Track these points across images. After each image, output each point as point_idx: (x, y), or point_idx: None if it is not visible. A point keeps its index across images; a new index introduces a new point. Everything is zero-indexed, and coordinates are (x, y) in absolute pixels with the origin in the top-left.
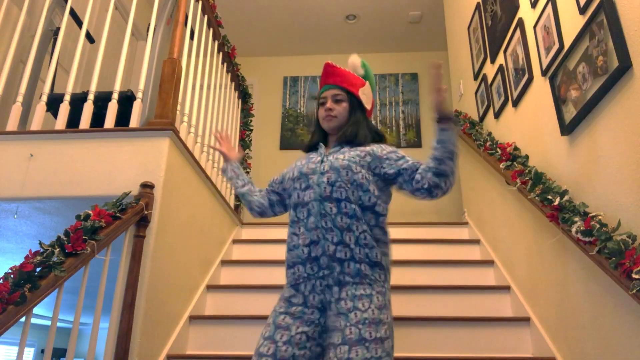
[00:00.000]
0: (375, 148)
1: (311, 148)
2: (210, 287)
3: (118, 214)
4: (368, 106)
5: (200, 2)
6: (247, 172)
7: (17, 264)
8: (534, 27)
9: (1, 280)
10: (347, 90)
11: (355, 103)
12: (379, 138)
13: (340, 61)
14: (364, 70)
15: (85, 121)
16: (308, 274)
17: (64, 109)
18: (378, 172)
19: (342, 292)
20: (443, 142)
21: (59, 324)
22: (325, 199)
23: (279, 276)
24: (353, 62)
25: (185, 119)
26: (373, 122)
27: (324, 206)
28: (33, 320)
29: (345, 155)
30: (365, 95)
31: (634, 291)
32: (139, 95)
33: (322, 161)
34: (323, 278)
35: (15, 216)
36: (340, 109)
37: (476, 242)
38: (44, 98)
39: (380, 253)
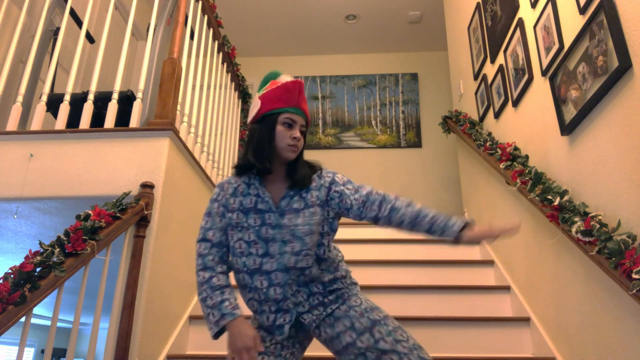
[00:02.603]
0: (323, 190)
1: (245, 170)
2: None
3: (118, 214)
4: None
5: (200, 2)
6: None
7: (17, 264)
8: (534, 27)
9: (1, 280)
10: (306, 121)
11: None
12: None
13: (340, 61)
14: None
15: (85, 121)
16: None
17: (64, 109)
18: (340, 213)
19: (329, 309)
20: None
21: (59, 324)
22: (290, 269)
23: None
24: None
25: (185, 119)
26: (373, 121)
27: (289, 275)
28: (33, 320)
29: (303, 219)
30: None
31: (634, 291)
32: (139, 95)
33: (280, 225)
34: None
35: (15, 216)
36: (302, 142)
37: (476, 242)
38: (44, 98)
39: (341, 270)
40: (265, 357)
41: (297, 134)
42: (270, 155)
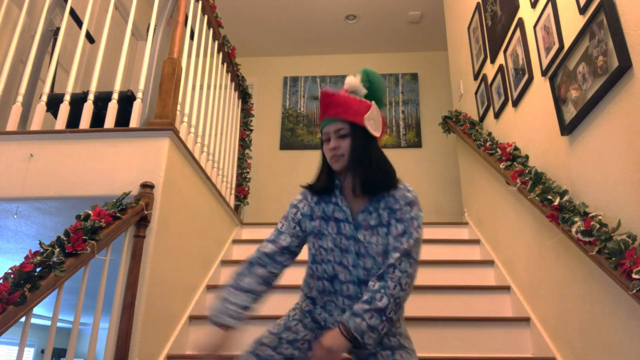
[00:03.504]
0: (400, 209)
1: (322, 191)
2: (210, 287)
3: (118, 214)
4: (377, 132)
5: (200, 2)
6: (247, 172)
7: (17, 264)
8: (534, 27)
9: (1, 280)
10: (349, 121)
11: (361, 134)
12: (391, 176)
13: (340, 61)
14: (367, 84)
15: (85, 121)
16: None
17: (64, 109)
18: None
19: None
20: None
21: (59, 324)
22: (362, 282)
23: None
24: (351, 84)
25: (185, 119)
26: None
27: (360, 289)
28: (33, 321)
29: (377, 238)
30: (373, 120)
31: (634, 291)
32: (139, 95)
33: (355, 238)
34: None
35: (15, 216)
36: (347, 145)
37: (476, 242)
38: (44, 98)
39: (401, 327)
40: (290, 348)
41: (332, 144)
42: (324, 170)
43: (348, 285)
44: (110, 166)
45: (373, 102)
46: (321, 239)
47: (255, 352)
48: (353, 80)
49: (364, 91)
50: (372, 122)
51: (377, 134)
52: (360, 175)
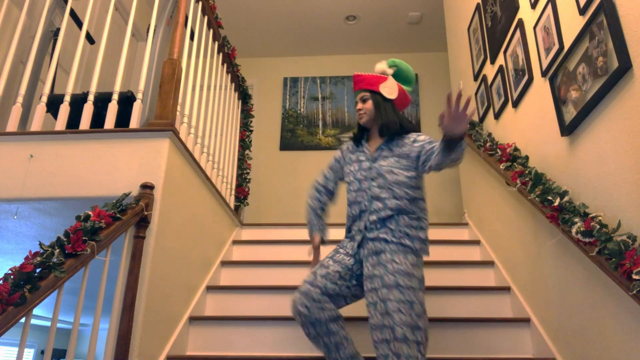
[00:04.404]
0: (407, 145)
1: (357, 139)
2: (210, 288)
3: (118, 215)
4: (392, 96)
5: (200, 3)
6: (247, 173)
7: (17, 264)
8: (534, 27)
9: (1, 281)
10: (369, 89)
11: (378, 98)
12: (411, 126)
13: (340, 62)
14: (394, 69)
15: (85, 122)
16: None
17: (64, 109)
18: (414, 164)
19: (383, 255)
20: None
21: (59, 325)
22: (374, 199)
23: (278, 277)
24: (378, 68)
25: (186, 119)
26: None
27: (372, 205)
28: (33, 321)
29: (387, 162)
30: (388, 87)
31: (634, 292)
32: (139, 96)
33: (370, 168)
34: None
35: (15, 217)
36: (367, 106)
37: (476, 242)
38: (44, 99)
39: (416, 228)
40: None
41: (358, 106)
42: (358, 126)
43: (365, 203)
44: (110, 167)
45: (390, 76)
46: (349, 174)
47: (313, 283)
48: (380, 65)
49: (390, 71)
50: (387, 89)
51: (392, 97)
52: (378, 123)
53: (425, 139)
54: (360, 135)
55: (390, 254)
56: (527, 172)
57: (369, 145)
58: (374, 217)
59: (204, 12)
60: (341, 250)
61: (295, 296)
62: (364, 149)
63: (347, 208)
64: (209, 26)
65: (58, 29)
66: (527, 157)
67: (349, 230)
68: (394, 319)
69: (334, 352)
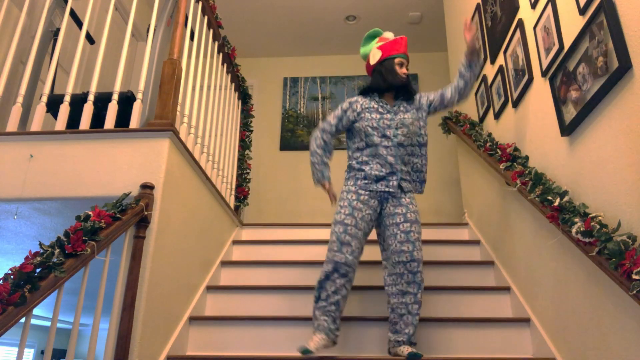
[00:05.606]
0: (417, 100)
1: (366, 93)
2: (210, 288)
3: (118, 215)
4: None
5: (200, 3)
6: (247, 173)
7: (17, 264)
8: (534, 27)
9: (1, 281)
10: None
11: None
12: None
13: (341, 62)
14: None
15: (85, 122)
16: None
17: (64, 109)
18: (428, 111)
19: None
20: (473, 69)
21: (59, 325)
22: (400, 145)
23: (279, 277)
24: (390, 35)
25: (185, 119)
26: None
27: (398, 150)
28: (33, 321)
29: (409, 115)
30: None
31: (634, 292)
32: (139, 96)
33: (392, 119)
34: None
35: (15, 217)
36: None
37: (476, 242)
38: (44, 99)
39: (424, 173)
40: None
41: (406, 70)
42: (391, 83)
43: (391, 148)
44: (110, 167)
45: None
46: (367, 121)
47: (346, 231)
48: (390, 33)
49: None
50: None
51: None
52: (410, 90)
53: (425, 93)
54: (373, 92)
55: (409, 198)
56: (527, 172)
57: (385, 101)
58: (398, 178)
59: (204, 12)
60: (359, 206)
61: (339, 257)
62: (381, 103)
63: (357, 154)
64: (209, 26)
65: (58, 29)
66: (527, 157)
67: (365, 178)
68: (414, 245)
69: (342, 304)
